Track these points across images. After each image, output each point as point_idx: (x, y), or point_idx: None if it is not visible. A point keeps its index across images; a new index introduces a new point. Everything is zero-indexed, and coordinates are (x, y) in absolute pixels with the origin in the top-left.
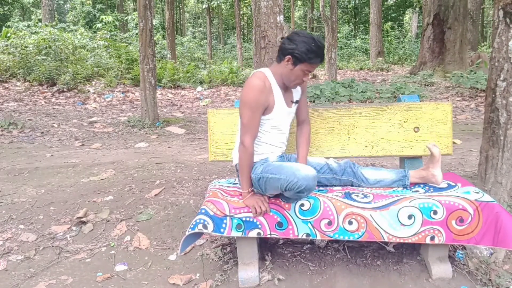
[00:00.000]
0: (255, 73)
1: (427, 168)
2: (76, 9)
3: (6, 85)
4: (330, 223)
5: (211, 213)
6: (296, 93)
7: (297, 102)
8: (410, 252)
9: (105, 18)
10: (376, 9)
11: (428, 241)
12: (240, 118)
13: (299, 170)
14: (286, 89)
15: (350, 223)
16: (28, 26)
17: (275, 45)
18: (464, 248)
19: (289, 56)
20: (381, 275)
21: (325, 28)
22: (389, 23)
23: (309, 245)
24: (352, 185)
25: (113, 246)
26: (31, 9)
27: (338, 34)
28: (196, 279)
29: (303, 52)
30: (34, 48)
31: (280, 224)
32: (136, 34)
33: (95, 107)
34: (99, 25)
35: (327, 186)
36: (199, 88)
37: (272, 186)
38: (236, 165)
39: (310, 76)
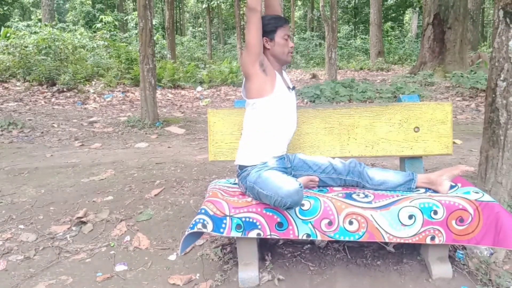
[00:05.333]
0: None
1: (439, 175)
2: (76, 9)
3: (6, 85)
4: (330, 223)
5: (211, 213)
6: (289, 82)
7: (294, 88)
8: (410, 252)
9: (105, 18)
10: (376, 9)
11: (428, 241)
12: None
13: (281, 187)
14: (281, 75)
15: (351, 223)
16: (28, 26)
17: None
18: (464, 248)
19: (264, 38)
20: (381, 275)
21: (325, 28)
22: (389, 23)
23: (309, 245)
24: (357, 185)
25: (113, 246)
26: (31, 9)
27: (338, 34)
28: (196, 279)
29: (268, 22)
30: (34, 48)
31: (280, 225)
32: (136, 34)
33: (95, 107)
34: (98, 25)
35: (332, 186)
36: (199, 88)
37: (264, 199)
38: (238, 165)
39: (292, 42)
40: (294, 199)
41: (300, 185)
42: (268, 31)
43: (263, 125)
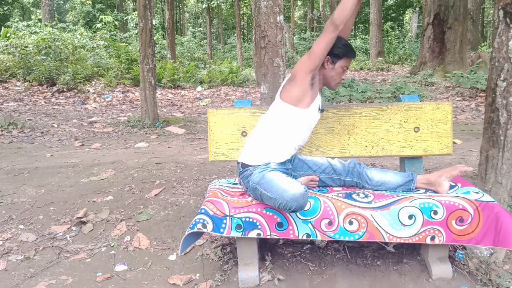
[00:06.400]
0: None
1: (438, 176)
2: (76, 9)
3: (6, 85)
4: (330, 223)
5: (211, 213)
6: (321, 103)
7: (322, 110)
8: (410, 252)
9: (105, 18)
10: (376, 9)
11: (428, 241)
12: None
13: (286, 190)
14: (319, 95)
15: (351, 223)
16: (28, 26)
17: (275, 45)
18: (464, 248)
19: (328, 56)
20: (381, 275)
21: None
22: (389, 23)
23: (309, 245)
24: (356, 186)
25: (113, 246)
26: (31, 9)
27: None
28: (196, 279)
29: (340, 47)
30: (34, 48)
31: (280, 225)
32: (136, 34)
33: (95, 107)
34: (98, 25)
35: (332, 186)
36: (199, 88)
37: (267, 201)
38: (240, 163)
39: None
40: (299, 203)
41: (305, 189)
42: (335, 53)
43: (281, 131)
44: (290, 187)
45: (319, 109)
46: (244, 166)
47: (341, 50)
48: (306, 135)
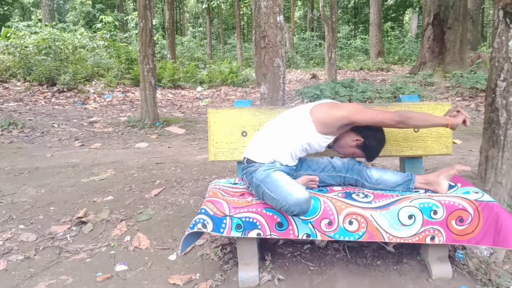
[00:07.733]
0: None
1: (437, 176)
2: (76, 9)
3: (6, 85)
4: (330, 223)
5: (211, 213)
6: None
7: (330, 147)
8: (410, 252)
9: (105, 18)
10: (376, 9)
11: (428, 241)
12: (366, 119)
13: (291, 194)
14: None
15: (351, 223)
16: (28, 26)
17: (275, 45)
18: (464, 248)
19: (363, 140)
20: (381, 275)
21: (325, 28)
22: (389, 23)
23: (309, 245)
24: (356, 184)
25: (113, 246)
26: (31, 9)
27: (338, 34)
28: (196, 279)
29: (375, 147)
30: (34, 48)
31: (280, 225)
32: (136, 34)
33: (95, 107)
34: (99, 25)
35: (332, 184)
36: (199, 88)
37: (269, 201)
38: (246, 158)
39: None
40: (303, 208)
41: (309, 194)
42: (367, 144)
43: (292, 139)
44: (295, 192)
45: (329, 146)
46: (250, 162)
47: (373, 150)
48: (304, 153)
